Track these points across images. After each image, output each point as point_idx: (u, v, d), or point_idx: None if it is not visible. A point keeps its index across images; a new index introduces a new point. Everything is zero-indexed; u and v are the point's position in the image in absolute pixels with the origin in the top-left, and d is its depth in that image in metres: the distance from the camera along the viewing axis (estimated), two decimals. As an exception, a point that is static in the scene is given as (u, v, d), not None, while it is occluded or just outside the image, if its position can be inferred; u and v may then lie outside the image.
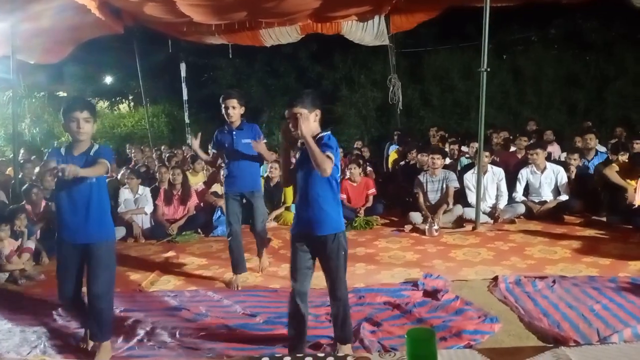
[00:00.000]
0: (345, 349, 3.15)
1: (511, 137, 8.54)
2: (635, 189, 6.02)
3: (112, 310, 3.43)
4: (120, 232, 6.51)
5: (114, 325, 3.53)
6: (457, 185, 6.60)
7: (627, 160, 6.24)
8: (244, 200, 4.69)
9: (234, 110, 4.54)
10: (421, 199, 6.61)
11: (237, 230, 4.67)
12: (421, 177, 6.75)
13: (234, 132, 4.56)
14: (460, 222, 6.43)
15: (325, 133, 3.05)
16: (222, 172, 4.96)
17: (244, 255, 4.79)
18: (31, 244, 5.48)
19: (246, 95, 4.52)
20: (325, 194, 3.03)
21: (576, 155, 6.92)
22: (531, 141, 7.92)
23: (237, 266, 4.72)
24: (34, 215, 6.08)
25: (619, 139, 7.67)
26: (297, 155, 3.21)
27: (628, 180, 6.04)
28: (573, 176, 6.75)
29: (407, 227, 6.34)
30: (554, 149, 7.93)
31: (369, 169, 8.03)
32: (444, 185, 6.58)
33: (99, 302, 3.24)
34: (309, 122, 2.95)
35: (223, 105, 4.58)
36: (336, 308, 3.13)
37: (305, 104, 2.95)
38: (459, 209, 6.45)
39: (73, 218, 3.18)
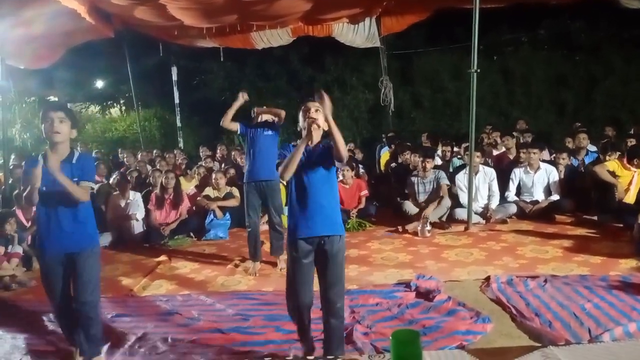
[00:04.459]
0: None
1: (503, 140, 8.60)
2: (630, 183, 6.07)
3: (100, 322, 3.29)
4: (106, 238, 6.45)
5: (105, 331, 3.51)
6: (447, 182, 6.66)
7: (621, 156, 6.30)
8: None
9: None
10: (414, 197, 6.68)
11: (257, 222, 5.23)
12: (412, 179, 6.79)
13: (259, 128, 5.16)
14: (451, 217, 6.50)
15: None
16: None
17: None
18: (19, 249, 5.44)
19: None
20: (335, 193, 3.13)
21: (565, 155, 6.97)
22: (522, 141, 7.97)
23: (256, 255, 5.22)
24: (25, 221, 6.04)
25: (608, 139, 7.73)
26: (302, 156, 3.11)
27: (619, 179, 6.09)
28: (562, 176, 6.79)
29: (410, 227, 6.30)
30: (544, 153, 7.94)
31: (361, 170, 8.04)
32: (435, 185, 6.63)
33: (88, 311, 3.14)
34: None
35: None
36: (330, 315, 3.00)
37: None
38: (447, 201, 6.50)
39: (57, 227, 3.11)
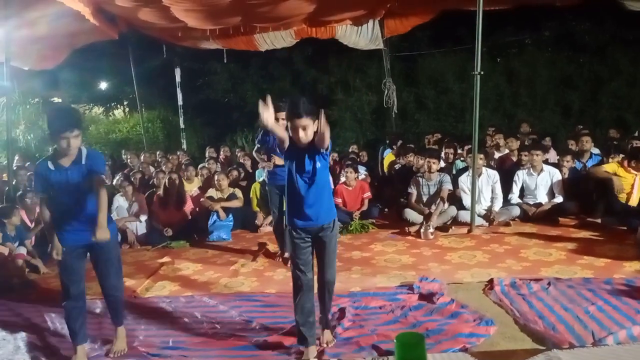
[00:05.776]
0: (327, 335, 3.46)
1: (507, 142, 8.57)
2: (632, 186, 6.05)
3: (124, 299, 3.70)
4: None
5: (108, 333, 3.55)
6: (450, 187, 6.61)
7: (624, 158, 6.29)
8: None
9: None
10: (413, 198, 6.67)
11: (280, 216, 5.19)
12: (419, 179, 6.77)
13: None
14: (454, 219, 6.47)
15: None
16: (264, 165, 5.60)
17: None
18: (23, 250, 5.45)
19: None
20: (329, 184, 3.43)
21: (569, 157, 6.94)
22: (527, 143, 7.95)
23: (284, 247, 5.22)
24: (28, 222, 6.06)
25: (611, 141, 7.70)
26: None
27: (621, 176, 6.08)
28: (565, 178, 6.76)
29: (412, 229, 6.32)
30: (551, 155, 7.93)
31: (364, 172, 8.02)
32: (439, 188, 6.61)
33: (118, 292, 3.53)
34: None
35: None
36: (327, 292, 3.44)
37: (310, 114, 3.09)
38: (452, 210, 6.47)
39: (77, 221, 3.26)
